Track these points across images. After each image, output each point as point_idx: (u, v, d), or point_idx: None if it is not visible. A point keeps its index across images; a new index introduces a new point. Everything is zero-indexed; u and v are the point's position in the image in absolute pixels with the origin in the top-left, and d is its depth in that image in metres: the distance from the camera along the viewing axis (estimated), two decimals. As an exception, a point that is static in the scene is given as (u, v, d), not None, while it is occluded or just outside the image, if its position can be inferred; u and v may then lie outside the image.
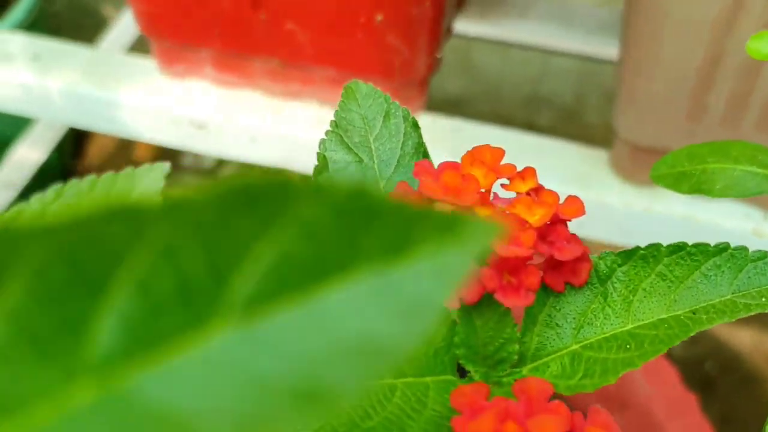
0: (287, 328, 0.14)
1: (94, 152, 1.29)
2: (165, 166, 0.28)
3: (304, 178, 0.15)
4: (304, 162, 0.77)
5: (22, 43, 0.79)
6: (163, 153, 1.26)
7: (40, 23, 1.09)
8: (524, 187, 0.35)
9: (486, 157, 0.36)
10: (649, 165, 0.69)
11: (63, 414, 0.13)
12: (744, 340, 1.07)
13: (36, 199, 0.27)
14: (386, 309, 0.14)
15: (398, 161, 0.39)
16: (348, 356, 0.14)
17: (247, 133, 0.76)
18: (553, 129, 1.32)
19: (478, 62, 1.32)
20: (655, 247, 0.34)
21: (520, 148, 0.72)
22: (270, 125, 0.75)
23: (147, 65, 0.79)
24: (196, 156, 1.27)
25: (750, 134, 0.60)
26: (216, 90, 0.77)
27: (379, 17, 0.67)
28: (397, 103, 0.40)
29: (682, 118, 0.62)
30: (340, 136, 0.39)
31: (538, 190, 0.35)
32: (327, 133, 0.39)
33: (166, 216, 0.13)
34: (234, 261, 0.14)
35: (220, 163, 1.27)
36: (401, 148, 0.39)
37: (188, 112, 0.76)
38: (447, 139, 0.75)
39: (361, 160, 0.39)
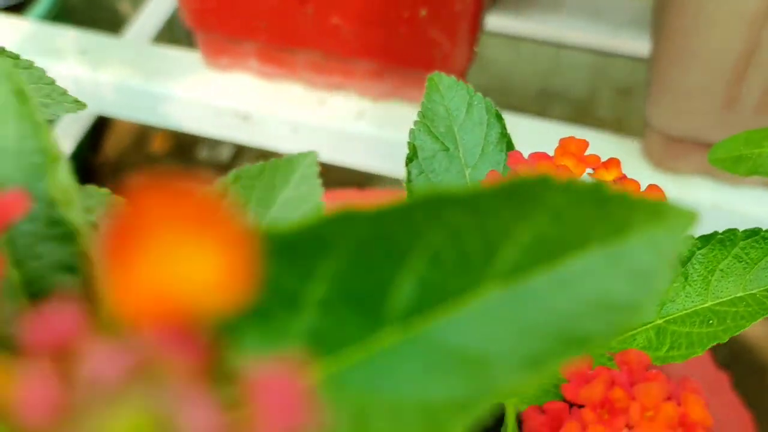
0: (543, 288, 0.17)
1: (110, 145, 1.32)
2: (315, 153, 0.31)
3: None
4: (344, 153, 0.80)
5: (70, 37, 0.82)
6: (179, 146, 1.29)
7: (59, 18, 1.11)
8: (609, 176, 0.38)
9: (572, 148, 0.39)
10: (681, 154, 0.72)
11: (374, 352, 0.16)
12: (755, 330, 1.10)
13: (220, 181, 0.30)
14: (617, 274, 0.17)
15: (482, 150, 0.42)
16: (592, 309, 0.17)
17: (289, 125, 0.79)
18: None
19: (489, 55, 1.35)
20: (731, 232, 0.37)
21: (557, 137, 0.75)
22: (311, 117, 0.78)
23: (192, 58, 0.81)
24: (212, 149, 1.29)
25: (781, 123, 0.64)
26: (259, 82, 0.80)
27: (424, 12, 0.70)
28: (480, 94, 0.43)
29: (716, 109, 0.65)
30: (427, 126, 0.42)
31: (623, 179, 0.38)
32: (415, 123, 0.43)
33: (457, 203, 0.16)
34: (501, 238, 0.17)
35: (236, 155, 1.30)
36: (485, 138, 0.42)
37: (232, 103, 0.79)
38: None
39: (447, 149, 0.42)
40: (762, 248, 0.37)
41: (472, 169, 0.42)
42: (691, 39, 0.63)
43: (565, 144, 0.39)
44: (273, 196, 0.29)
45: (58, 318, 0.11)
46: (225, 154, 1.33)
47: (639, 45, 0.99)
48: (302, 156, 0.30)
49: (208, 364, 0.12)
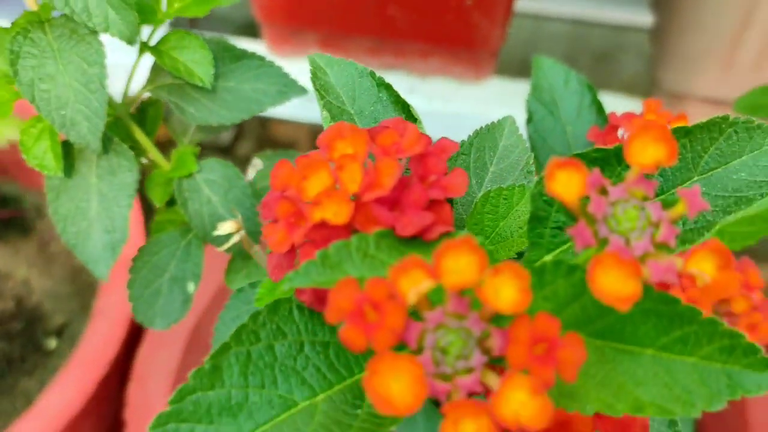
0: (722, 176, 0.31)
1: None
2: (512, 118, 0.44)
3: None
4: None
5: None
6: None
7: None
8: (681, 123, 0.52)
9: (653, 107, 0.53)
10: (685, 111, 0.87)
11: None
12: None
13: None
14: (756, 170, 0.31)
15: (578, 113, 0.56)
16: (746, 184, 0.31)
17: (348, 102, 0.92)
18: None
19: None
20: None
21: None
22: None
23: (256, 47, 0.93)
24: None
25: (769, 78, 0.79)
26: (318, 68, 0.92)
27: (469, 1, 0.84)
28: (574, 71, 0.56)
29: (717, 70, 0.81)
30: (536, 96, 0.56)
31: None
32: (529, 94, 0.56)
33: (679, 132, 0.30)
34: (702, 153, 0.31)
35: (236, 138, 1.40)
36: (579, 104, 0.56)
37: (298, 87, 0.91)
38: (516, 96, 0.92)
39: (552, 113, 0.56)
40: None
41: (572, 126, 0.56)
42: (694, 10, 0.78)
43: (648, 104, 0.53)
44: (486, 166, 0.41)
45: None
46: (226, 138, 1.44)
47: (614, 14, 1.13)
48: (500, 125, 0.42)
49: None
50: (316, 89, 0.37)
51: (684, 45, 0.80)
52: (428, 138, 0.32)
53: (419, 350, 0.25)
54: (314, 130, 1.27)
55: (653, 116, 0.53)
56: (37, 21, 0.45)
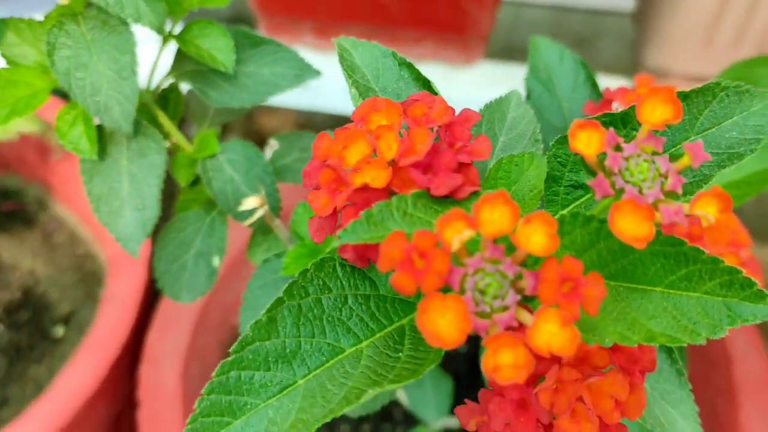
0: (716, 134, 0.35)
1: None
2: (518, 92, 0.47)
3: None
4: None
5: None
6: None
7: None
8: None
9: (645, 81, 0.57)
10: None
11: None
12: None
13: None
14: (746, 128, 0.35)
15: (573, 89, 0.60)
16: (739, 141, 0.35)
17: (343, 89, 0.95)
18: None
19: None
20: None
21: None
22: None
23: (253, 40, 0.96)
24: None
25: (747, 55, 0.83)
26: (314, 54, 0.96)
27: (459, -12, 0.87)
28: (568, 50, 0.60)
29: (697, 47, 0.85)
30: (533, 74, 0.60)
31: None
32: (527, 73, 0.60)
33: (681, 95, 0.34)
34: (698, 115, 0.35)
35: (222, 134, 1.43)
36: (575, 80, 0.60)
37: (294, 75, 0.94)
38: (505, 79, 0.95)
39: (549, 90, 0.60)
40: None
41: (568, 102, 0.60)
42: (674, -5, 0.82)
43: (641, 79, 0.56)
44: (496, 137, 0.45)
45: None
46: None
47: (593, 0, 1.17)
48: (511, 95, 0.46)
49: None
50: (344, 69, 0.41)
51: (666, 25, 0.84)
52: (453, 109, 0.36)
53: (461, 292, 0.29)
54: (299, 121, 1.30)
55: (645, 90, 0.57)
56: (71, 14, 0.48)
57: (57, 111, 0.50)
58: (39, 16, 0.50)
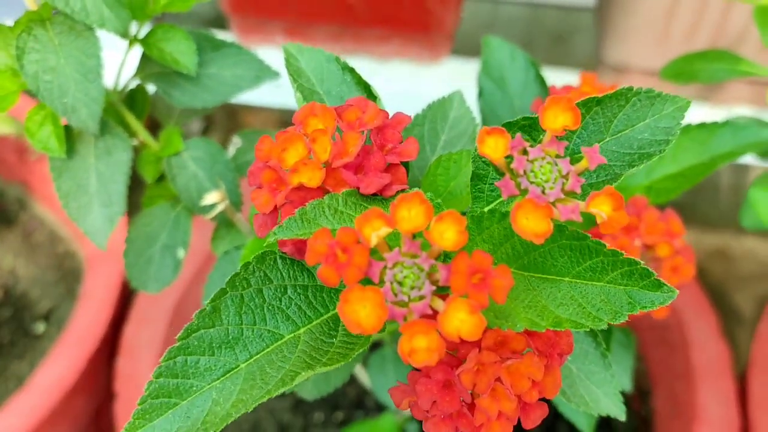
0: (626, 136, 0.38)
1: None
2: (461, 93, 0.50)
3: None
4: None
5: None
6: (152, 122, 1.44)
7: None
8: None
9: (589, 80, 0.60)
10: (627, 81, 0.94)
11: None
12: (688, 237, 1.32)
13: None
14: (655, 132, 0.38)
15: (524, 87, 0.63)
16: (647, 143, 0.38)
17: (315, 84, 0.97)
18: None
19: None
20: (685, 126, 0.59)
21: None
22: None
23: (226, 37, 0.99)
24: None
25: (701, 49, 0.86)
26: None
27: (425, -13, 0.90)
28: (519, 49, 0.63)
29: (653, 43, 0.88)
30: (486, 73, 0.62)
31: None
32: (479, 71, 0.63)
33: (593, 101, 0.37)
34: (611, 119, 0.37)
35: (206, 131, 1.45)
36: (525, 78, 0.63)
37: (267, 71, 0.97)
38: (471, 75, 0.98)
39: (500, 88, 0.63)
40: (708, 131, 0.59)
41: (519, 99, 0.63)
42: (632, -7, 0.85)
43: (585, 77, 0.59)
44: (438, 135, 0.48)
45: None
46: (196, 128, 1.48)
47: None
48: (450, 99, 0.49)
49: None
50: (290, 73, 0.43)
51: (623, 21, 0.87)
52: (386, 113, 0.39)
53: (381, 284, 0.32)
54: (282, 119, 1.32)
55: (589, 88, 0.60)
56: (39, 19, 0.51)
57: (30, 112, 0.53)
58: (9, 22, 0.52)
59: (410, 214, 0.31)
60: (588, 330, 0.42)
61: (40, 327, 0.95)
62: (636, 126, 0.39)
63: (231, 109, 1.35)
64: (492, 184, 0.39)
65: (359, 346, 0.35)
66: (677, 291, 0.33)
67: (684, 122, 0.87)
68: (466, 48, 1.54)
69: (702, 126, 0.61)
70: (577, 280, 0.34)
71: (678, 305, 0.89)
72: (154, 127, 0.60)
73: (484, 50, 0.63)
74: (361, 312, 0.31)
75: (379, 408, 0.91)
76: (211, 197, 0.52)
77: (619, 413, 0.42)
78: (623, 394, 0.43)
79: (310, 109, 0.38)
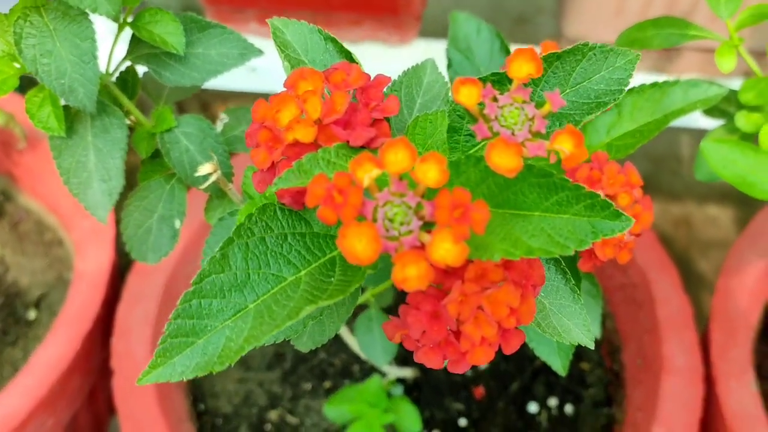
0: (586, 87, 0.42)
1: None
2: (433, 60, 0.54)
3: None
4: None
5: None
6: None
7: None
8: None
9: (549, 47, 0.64)
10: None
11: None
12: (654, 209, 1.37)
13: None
14: (609, 81, 0.42)
15: (490, 56, 0.67)
16: (604, 93, 0.42)
17: (289, 69, 1.01)
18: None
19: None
20: (640, 87, 0.63)
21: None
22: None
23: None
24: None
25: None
26: (260, 40, 1.02)
27: (392, -30, 0.94)
28: (485, 22, 0.67)
29: (609, 17, 0.92)
30: (454, 45, 0.67)
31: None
32: (447, 44, 0.67)
33: (553, 57, 0.41)
34: (570, 72, 0.42)
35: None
36: (491, 49, 0.67)
37: (242, 58, 1.00)
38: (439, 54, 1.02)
39: (468, 58, 0.67)
40: (661, 91, 0.64)
41: (485, 68, 0.67)
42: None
43: (545, 45, 0.64)
44: (414, 99, 0.52)
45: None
46: None
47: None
48: (423, 66, 0.53)
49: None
50: (277, 45, 0.47)
51: (582, -2, 0.92)
52: (368, 75, 0.43)
53: (374, 220, 0.36)
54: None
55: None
56: (34, 6, 0.54)
57: (17, 103, 0.56)
58: (4, 9, 0.55)
59: (397, 157, 0.36)
60: (560, 268, 0.47)
61: (31, 314, 0.98)
62: (592, 78, 0.43)
63: (204, 98, 1.38)
64: (466, 135, 0.43)
65: (355, 282, 0.39)
66: (633, 220, 0.38)
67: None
68: (433, 30, 1.58)
69: (655, 85, 0.65)
70: (546, 214, 0.38)
71: (643, 265, 0.94)
72: (143, 108, 0.63)
73: (451, 25, 0.67)
74: (358, 245, 0.35)
75: (366, 376, 0.95)
76: (205, 168, 0.56)
77: (588, 342, 0.47)
78: (595, 342, 0.47)
79: (300, 73, 0.42)
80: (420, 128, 0.48)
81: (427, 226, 0.36)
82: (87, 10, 0.53)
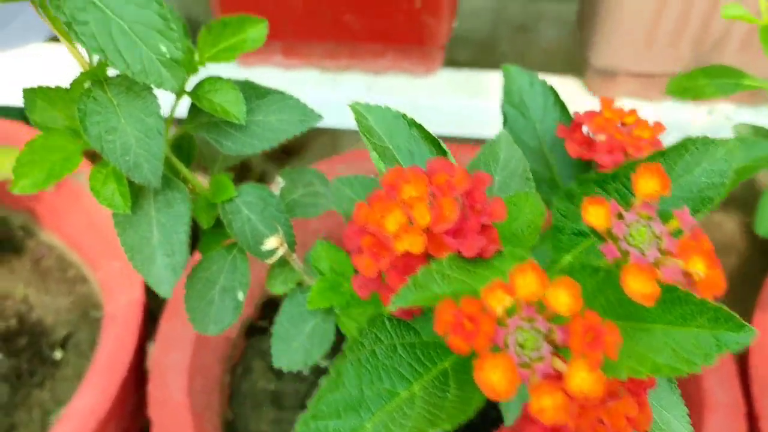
0: (691, 178, 0.42)
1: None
2: (506, 133, 0.53)
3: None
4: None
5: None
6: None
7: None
8: (631, 119, 0.62)
9: (609, 104, 0.63)
10: (615, 85, 0.98)
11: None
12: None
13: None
14: (712, 174, 0.42)
15: (544, 111, 0.66)
16: (707, 186, 0.42)
17: (312, 104, 1.00)
18: (474, 62, 1.60)
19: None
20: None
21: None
22: (329, 94, 0.99)
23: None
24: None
25: (685, 55, 0.91)
26: (281, 72, 1.00)
27: (418, 3, 0.92)
28: (537, 75, 0.66)
29: (639, 48, 0.92)
30: (508, 100, 0.66)
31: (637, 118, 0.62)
32: (501, 99, 0.66)
33: (659, 155, 0.41)
34: (676, 160, 0.41)
35: None
36: (544, 103, 0.66)
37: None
38: (465, 84, 1.01)
39: (522, 114, 0.66)
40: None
41: (540, 123, 0.66)
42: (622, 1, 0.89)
43: (604, 101, 0.63)
44: (493, 178, 0.51)
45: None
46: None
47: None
48: (498, 141, 0.52)
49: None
50: (362, 132, 0.46)
51: (608, 29, 0.91)
52: (470, 175, 0.42)
53: (505, 347, 0.35)
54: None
55: (609, 113, 0.63)
56: (96, 80, 0.52)
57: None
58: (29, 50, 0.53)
59: (526, 282, 0.35)
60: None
61: (57, 354, 0.97)
62: (694, 171, 0.42)
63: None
64: (570, 234, 0.42)
65: (474, 402, 0.38)
66: (756, 330, 0.37)
67: (669, 122, 0.91)
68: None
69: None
70: (670, 327, 0.37)
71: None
72: (195, 172, 0.62)
73: (504, 78, 0.66)
74: (494, 377, 0.34)
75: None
76: (271, 242, 0.55)
77: (687, 433, 0.46)
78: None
79: (400, 174, 0.41)
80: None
81: (557, 351, 0.36)
82: (152, 86, 0.51)
